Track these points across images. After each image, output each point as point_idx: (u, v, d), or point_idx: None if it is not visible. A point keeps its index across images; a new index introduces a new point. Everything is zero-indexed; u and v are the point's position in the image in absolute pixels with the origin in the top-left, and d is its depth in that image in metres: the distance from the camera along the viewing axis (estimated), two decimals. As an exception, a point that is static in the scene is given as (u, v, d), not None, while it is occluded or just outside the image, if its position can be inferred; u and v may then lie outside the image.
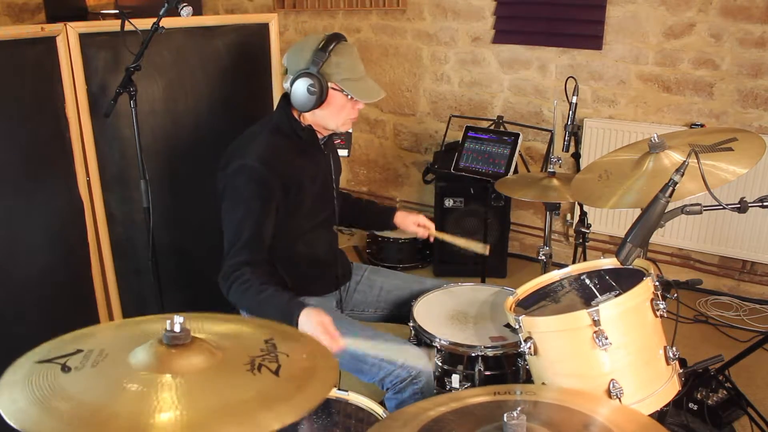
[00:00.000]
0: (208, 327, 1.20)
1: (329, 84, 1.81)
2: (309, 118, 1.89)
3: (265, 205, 1.81)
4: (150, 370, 1.02)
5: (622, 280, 1.63)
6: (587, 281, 1.71)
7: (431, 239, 2.22)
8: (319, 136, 1.94)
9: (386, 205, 2.32)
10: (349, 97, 1.84)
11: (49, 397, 0.96)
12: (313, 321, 1.60)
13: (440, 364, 1.82)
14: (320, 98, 1.80)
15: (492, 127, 3.49)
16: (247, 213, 1.79)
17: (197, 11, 3.18)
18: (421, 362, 1.77)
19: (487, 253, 2.15)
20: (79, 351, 1.08)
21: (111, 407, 0.95)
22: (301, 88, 1.79)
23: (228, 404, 0.98)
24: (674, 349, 1.53)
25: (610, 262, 1.75)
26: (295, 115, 1.89)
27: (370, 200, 2.34)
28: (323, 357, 1.19)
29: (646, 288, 1.48)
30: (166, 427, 0.92)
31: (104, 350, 1.09)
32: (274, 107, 2.61)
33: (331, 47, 1.79)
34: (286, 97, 1.90)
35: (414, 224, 2.18)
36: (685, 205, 1.42)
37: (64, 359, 1.05)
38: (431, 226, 2.19)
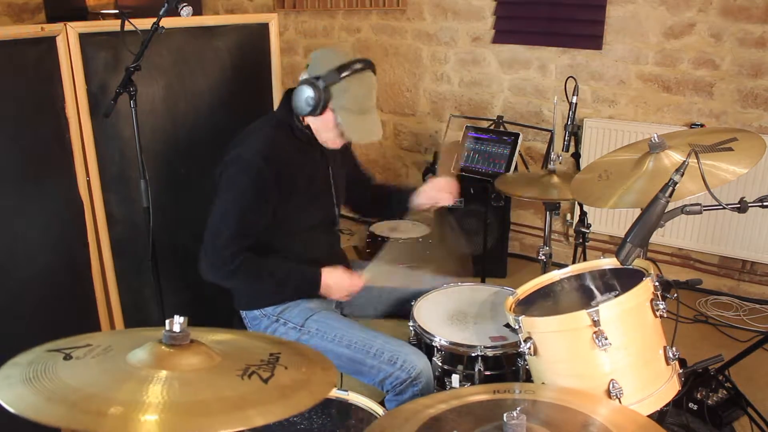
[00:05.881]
0: (218, 337, 1.23)
1: (329, 104, 1.80)
2: (308, 121, 1.90)
3: (258, 197, 1.82)
4: (142, 365, 1.05)
5: (622, 280, 1.63)
6: (587, 281, 1.71)
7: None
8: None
9: (405, 187, 2.26)
10: (339, 125, 1.84)
11: (40, 377, 1.00)
12: (335, 276, 1.86)
13: (440, 364, 1.82)
14: (314, 112, 1.81)
15: (492, 127, 3.49)
16: (237, 204, 1.81)
17: (197, 11, 3.18)
18: (420, 363, 1.77)
19: (456, 204, 2.10)
20: (88, 345, 1.12)
21: (89, 390, 0.99)
22: (302, 94, 1.81)
23: (202, 400, 1.00)
24: (674, 349, 1.53)
25: (610, 262, 1.75)
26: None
27: (390, 185, 2.38)
28: (323, 371, 1.19)
29: (646, 288, 1.48)
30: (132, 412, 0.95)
31: (110, 346, 1.12)
32: (275, 107, 2.62)
33: (347, 73, 1.78)
34: (290, 93, 1.91)
35: (432, 199, 2.12)
36: (685, 205, 1.42)
37: (70, 350, 1.08)
38: (453, 189, 2.11)
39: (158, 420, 0.93)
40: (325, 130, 1.88)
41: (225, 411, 0.98)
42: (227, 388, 1.04)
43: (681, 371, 1.58)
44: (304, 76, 1.84)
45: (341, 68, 1.78)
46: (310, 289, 1.90)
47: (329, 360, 1.29)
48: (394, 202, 2.22)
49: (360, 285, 1.90)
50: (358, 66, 1.80)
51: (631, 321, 1.47)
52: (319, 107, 1.79)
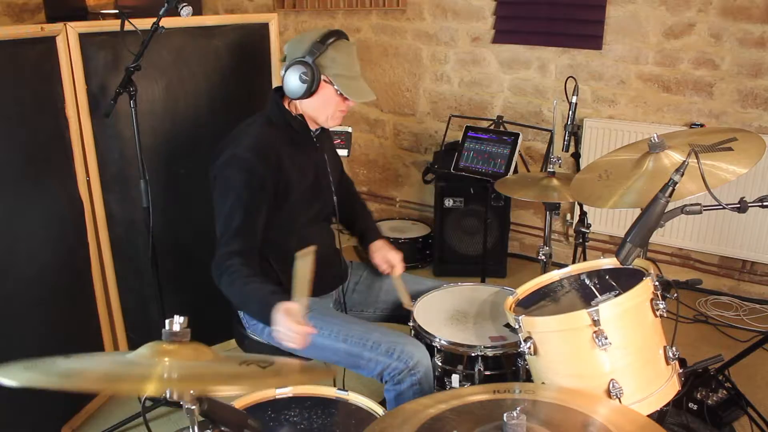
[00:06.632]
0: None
1: (322, 76, 1.83)
2: (301, 109, 1.92)
3: (256, 195, 1.82)
4: (144, 359, 1.07)
5: (622, 280, 1.63)
6: (587, 281, 1.71)
7: (391, 274, 2.10)
8: (311, 127, 1.96)
9: (377, 228, 2.24)
10: (339, 93, 1.86)
11: (42, 363, 1.01)
12: (285, 319, 1.57)
13: (440, 364, 1.82)
14: (311, 88, 1.82)
15: (492, 127, 3.49)
16: (237, 202, 1.80)
17: (197, 11, 3.17)
18: (417, 353, 1.77)
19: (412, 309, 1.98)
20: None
21: (90, 369, 1.03)
22: (293, 76, 1.83)
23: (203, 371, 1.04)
24: (674, 349, 1.53)
25: (610, 262, 1.75)
26: (286, 105, 1.92)
27: (368, 212, 2.30)
28: (322, 373, 1.22)
29: (646, 288, 1.48)
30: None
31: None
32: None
33: (330, 41, 1.83)
34: (278, 90, 1.94)
35: (382, 259, 2.12)
36: (685, 205, 1.42)
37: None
38: (398, 268, 2.10)
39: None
40: (324, 106, 1.89)
41: (225, 383, 1.03)
42: (225, 369, 1.09)
43: (681, 371, 1.58)
44: (283, 68, 1.86)
45: (323, 39, 1.82)
46: (264, 317, 1.65)
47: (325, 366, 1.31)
48: (356, 231, 2.24)
49: (304, 338, 1.58)
50: (335, 35, 1.85)
51: (631, 321, 1.47)
52: (314, 82, 1.81)
